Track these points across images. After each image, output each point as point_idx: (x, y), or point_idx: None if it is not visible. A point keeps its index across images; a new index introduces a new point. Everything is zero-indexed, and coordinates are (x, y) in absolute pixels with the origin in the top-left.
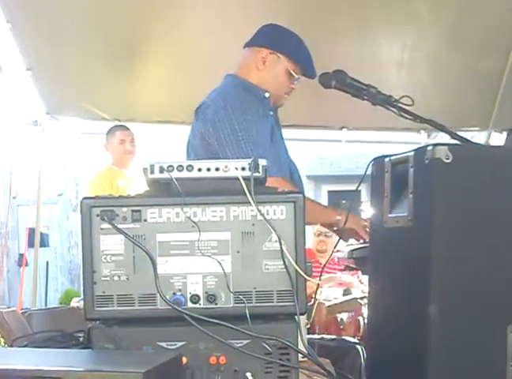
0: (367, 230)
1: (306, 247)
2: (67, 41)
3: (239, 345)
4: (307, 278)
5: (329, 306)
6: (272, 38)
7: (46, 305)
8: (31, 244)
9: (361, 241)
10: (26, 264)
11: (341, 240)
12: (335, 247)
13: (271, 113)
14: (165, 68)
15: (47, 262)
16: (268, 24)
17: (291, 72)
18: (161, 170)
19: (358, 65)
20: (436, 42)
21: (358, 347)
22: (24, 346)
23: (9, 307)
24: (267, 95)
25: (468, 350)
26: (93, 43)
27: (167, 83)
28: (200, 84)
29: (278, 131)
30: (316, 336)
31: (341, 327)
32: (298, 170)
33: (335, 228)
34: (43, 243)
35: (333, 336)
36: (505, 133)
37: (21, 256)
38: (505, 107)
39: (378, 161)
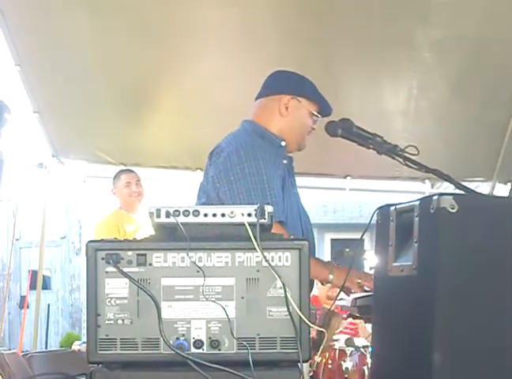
0: (360, 286)
1: (312, 294)
2: (75, 85)
3: None
4: (311, 325)
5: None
6: (289, 83)
7: (46, 347)
8: (33, 286)
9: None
10: (27, 307)
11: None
12: (338, 295)
13: (284, 161)
14: (171, 114)
15: (49, 305)
16: (277, 71)
17: (313, 112)
18: (167, 214)
19: (363, 115)
20: (442, 92)
21: None
22: None
23: (9, 349)
24: (283, 143)
25: None
26: (101, 89)
27: (172, 129)
28: (205, 131)
29: (291, 179)
30: None
31: (346, 376)
32: (310, 221)
33: (327, 285)
34: (45, 286)
35: None
36: (509, 184)
37: (23, 298)
38: (509, 158)
39: (384, 209)
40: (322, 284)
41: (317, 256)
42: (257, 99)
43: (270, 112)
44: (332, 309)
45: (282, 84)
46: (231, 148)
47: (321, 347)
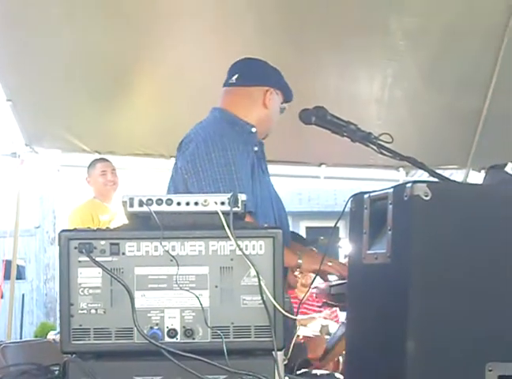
0: (334, 266)
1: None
2: (48, 72)
3: None
4: (285, 313)
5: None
6: (269, 75)
7: (21, 338)
8: (7, 276)
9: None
10: (1, 297)
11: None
12: (312, 283)
13: (255, 148)
14: (146, 101)
15: (23, 295)
16: (249, 59)
17: (282, 105)
18: (140, 203)
19: (337, 102)
20: (415, 80)
21: None
22: None
23: None
24: (253, 130)
25: None
26: (74, 76)
27: (147, 116)
28: (179, 118)
29: (263, 166)
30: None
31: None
32: (283, 207)
33: (297, 272)
34: (20, 276)
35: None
36: (483, 172)
37: None
38: (483, 146)
39: (358, 198)
40: (292, 271)
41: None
42: (229, 86)
43: (250, 102)
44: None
45: (263, 75)
46: (199, 138)
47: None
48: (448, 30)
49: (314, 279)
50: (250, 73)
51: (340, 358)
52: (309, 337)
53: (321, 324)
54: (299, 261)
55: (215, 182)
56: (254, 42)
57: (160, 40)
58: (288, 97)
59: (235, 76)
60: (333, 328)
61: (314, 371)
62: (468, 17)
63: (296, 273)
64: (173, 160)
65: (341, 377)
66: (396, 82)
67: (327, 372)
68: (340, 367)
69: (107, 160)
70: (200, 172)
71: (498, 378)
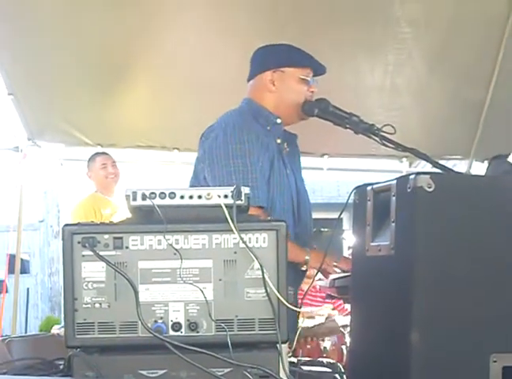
0: (336, 270)
1: None
2: (50, 66)
3: (220, 373)
4: (289, 306)
5: (311, 327)
6: (268, 58)
7: (26, 332)
8: (11, 270)
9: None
10: (6, 291)
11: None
12: (315, 275)
13: (278, 141)
14: (148, 93)
15: (28, 289)
16: (256, 49)
17: (303, 77)
18: (143, 197)
19: (340, 91)
20: (418, 69)
21: (340, 375)
22: (4, 373)
23: None
24: (279, 121)
25: (451, 378)
26: (75, 69)
27: (149, 108)
28: (182, 110)
29: (293, 156)
30: (294, 359)
31: (324, 355)
32: (308, 202)
33: (304, 268)
34: (24, 270)
35: (311, 359)
36: (486, 162)
37: (1, 282)
38: (486, 137)
39: (361, 189)
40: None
41: None
42: (248, 80)
43: (261, 91)
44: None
45: (262, 60)
46: (220, 129)
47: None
48: (452, 19)
49: (317, 273)
50: (254, 62)
51: (344, 349)
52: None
53: (328, 313)
54: (307, 258)
55: (228, 175)
56: (253, 31)
57: (162, 32)
58: (308, 68)
59: (250, 70)
60: (340, 320)
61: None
62: (472, 6)
63: (303, 268)
64: (176, 152)
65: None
66: (399, 71)
67: (332, 361)
68: (344, 358)
69: (106, 154)
70: (215, 163)
71: (503, 369)
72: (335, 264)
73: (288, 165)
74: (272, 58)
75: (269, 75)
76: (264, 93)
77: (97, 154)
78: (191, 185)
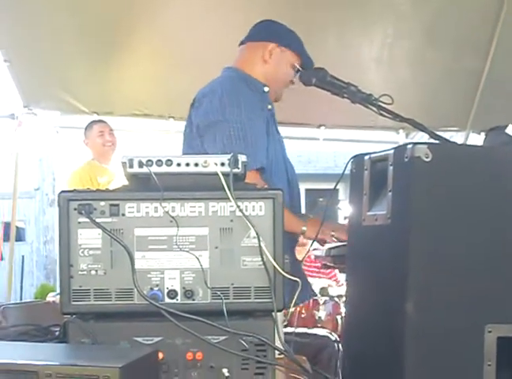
0: (337, 238)
1: None
2: (46, 33)
3: (215, 341)
4: (285, 274)
5: None
6: (275, 32)
7: (21, 299)
8: (6, 238)
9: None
10: (1, 259)
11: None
12: (311, 245)
13: (269, 106)
14: (144, 61)
15: (23, 256)
16: (266, 20)
17: (295, 65)
18: (140, 164)
19: (337, 63)
20: (415, 40)
21: (335, 344)
22: None
23: None
24: (266, 89)
25: (445, 348)
26: (72, 36)
27: (145, 76)
28: (178, 77)
29: (275, 126)
30: (290, 329)
31: (319, 325)
32: (294, 171)
33: (301, 237)
34: (19, 237)
35: (308, 329)
36: (483, 134)
37: None
38: (483, 108)
39: (358, 159)
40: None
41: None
42: (241, 44)
43: (253, 58)
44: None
45: (268, 32)
46: (213, 94)
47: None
48: None
49: (313, 242)
50: (258, 30)
51: (339, 319)
52: None
53: (321, 286)
54: (304, 228)
55: (229, 139)
56: (251, 3)
57: (161, 4)
58: (303, 61)
59: (246, 35)
60: (334, 290)
61: (313, 331)
62: None
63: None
64: (172, 121)
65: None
66: (396, 42)
67: (326, 331)
68: (339, 327)
69: (103, 121)
70: (214, 129)
71: (498, 339)
72: (333, 233)
73: (278, 131)
74: (280, 34)
75: (270, 46)
76: (256, 61)
77: (94, 122)
78: (184, 153)
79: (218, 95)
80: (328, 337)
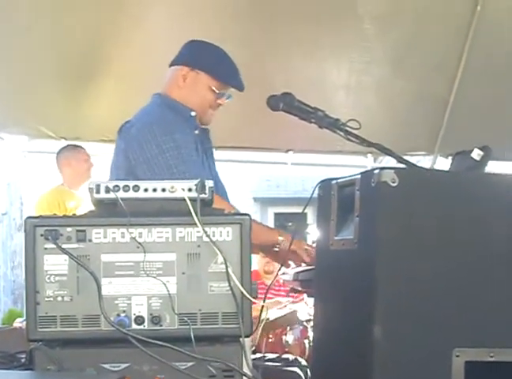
0: (308, 253)
1: (253, 269)
2: (14, 58)
3: (183, 367)
4: (253, 300)
5: (271, 321)
6: (192, 55)
7: None
8: None
9: (305, 264)
10: None
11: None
12: (279, 269)
13: (196, 132)
14: (112, 87)
15: None
16: (191, 40)
17: (213, 88)
18: (107, 190)
19: (306, 88)
20: (383, 66)
21: (301, 371)
22: None
23: None
24: (193, 113)
25: (414, 372)
26: (40, 62)
27: (114, 102)
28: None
29: (207, 150)
30: (259, 355)
31: (286, 349)
32: (226, 195)
33: (276, 249)
34: None
35: (277, 355)
36: (450, 158)
37: None
38: (450, 132)
39: (325, 184)
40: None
41: None
42: (170, 66)
43: (173, 82)
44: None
45: (185, 54)
46: (142, 123)
47: (261, 325)
48: (416, 15)
49: (280, 268)
50: (179, 52)
51: (306, 343)
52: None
53: (289, 308)
54: (280, 238)
55: (169, 168)
56: (221, 26)
57: (128, 24)
58: (223, 83)
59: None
60: (302, 313)
61: (283, 356)
62: (436, 3)
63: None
64: None
65: (305, 362)
66: (364, 68)
67: (292, 357)
68: (307, 352)
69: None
70: (150, 159)
71: (466, 364)
72: (306, 247)
73: (210, 156)
74: (195, 56)
75: (184, 70)
76: (173, 85)
77: (77, 146)
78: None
79: (148, 124)
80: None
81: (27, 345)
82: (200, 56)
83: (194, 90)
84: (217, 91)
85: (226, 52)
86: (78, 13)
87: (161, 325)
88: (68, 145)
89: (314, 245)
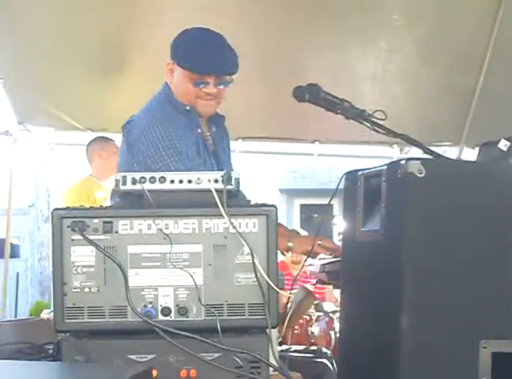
0: (324, 246)
1: (279, 260)
2: (40, 50)
3: (209, 358)
4: (279, 291)
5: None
6: (171, 47)
7: (16, 316)
8: (0, 255)
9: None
10: None
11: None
12: (305, 260)
13: (198, 130)
14: (138, 77)
15: (18, 273)
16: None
17: (188, 78)
18: (133, 181)
19: (332, 79)
20: (409, 56)
21: (328, 362)
22: None
23: None
24: (188, 108)
25: (441, 363)
26: (67, 52)
27: (140, 93)
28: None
29: (220, 138)
30: (286, 347)
31: (312, 340)
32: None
33: (289, 254)
34: (14, 254)
35: (304, 346)
36: (477, 149)
37: None
38: (477, 123)
39: (351, 175)
40: (283, 254)
41: (287, 222)
42: None
43: (168, 76)
44: (305, 290)
45: (171, 48)
46: (142, 125)
47: (287, 321)
48: (443, 6)
49: (306, 259)
50: None
51: (332, 334)
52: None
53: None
54: (290, 244)
55: (164, 165)
56: (248, 21)
57: (151, 18)
58: (190, 69)
59: None
60: (327, 306)
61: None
62: None
63: (288, 255)
64: None
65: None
66: (390, 58)
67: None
68: (332, 343)
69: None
70: (151, 165)
71: (492, 355)
72: (320, 242)
73: (211, 155)
74: (172, 47)
75: (170, 64)
76: (168, 80)
77: (108, 139)
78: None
79: (147, 126)
80: (325, 364)
81: (54, 336)
82: (174, 47)
83: (179, 82)
84: (193, 81)
85: (197, 35)
86: (106, 5)
87: (188, 316)
88: (99, 137)
89: (340, 237)
